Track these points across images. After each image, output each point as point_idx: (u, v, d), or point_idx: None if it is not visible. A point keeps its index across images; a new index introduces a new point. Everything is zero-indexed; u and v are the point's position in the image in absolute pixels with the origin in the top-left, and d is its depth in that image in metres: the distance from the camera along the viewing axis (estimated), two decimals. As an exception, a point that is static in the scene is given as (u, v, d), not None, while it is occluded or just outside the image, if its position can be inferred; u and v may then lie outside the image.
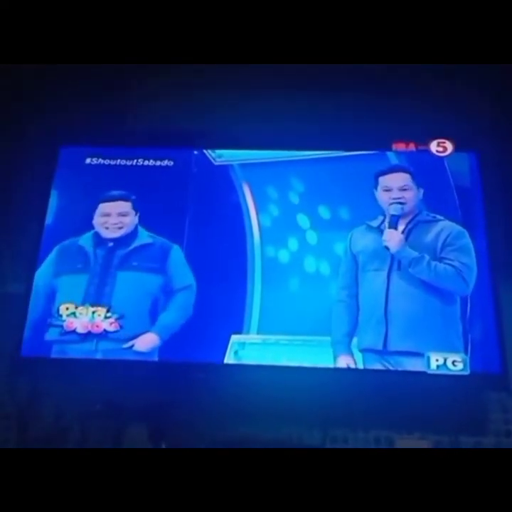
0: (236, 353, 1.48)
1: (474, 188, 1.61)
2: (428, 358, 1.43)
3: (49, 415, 1.51)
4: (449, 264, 1.49)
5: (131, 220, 1.61)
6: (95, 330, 1.51)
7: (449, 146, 1.65)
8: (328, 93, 1.81)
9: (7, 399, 1.55)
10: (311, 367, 1.46)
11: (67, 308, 1.53)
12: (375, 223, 1.57)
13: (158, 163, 1.70)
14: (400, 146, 1.66)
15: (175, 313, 1.53)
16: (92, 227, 1.62)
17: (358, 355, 1.46)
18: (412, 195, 1.56)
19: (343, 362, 1.46)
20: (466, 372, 1.42)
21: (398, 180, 1.58)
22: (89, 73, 1.69)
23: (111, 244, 1.59)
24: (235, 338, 1.49)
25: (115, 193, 1.64)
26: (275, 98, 1.80)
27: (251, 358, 1.48)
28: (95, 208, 1.64)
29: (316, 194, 1.63)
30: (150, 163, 1.70)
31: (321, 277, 1.55)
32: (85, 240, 1.60)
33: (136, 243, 1.59)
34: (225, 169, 1.67)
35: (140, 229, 1.61)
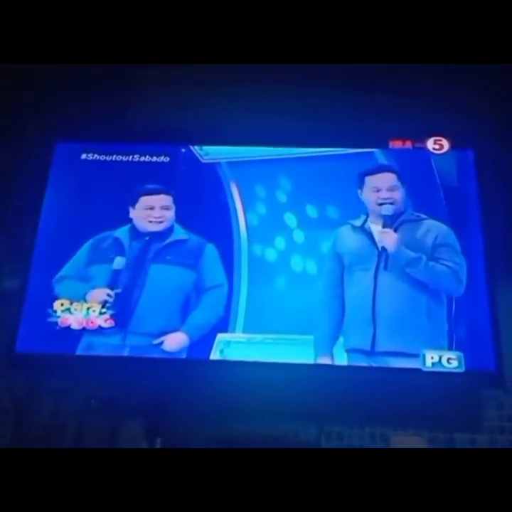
0: (221, 351, 1.48)
1: (469, 187, 1.60)
2: (423, 356, 1.43)
3: (45, 411, 1.51)
4: (444, 264, 1.49)
5: (172, 214, 1.61)
6: (90, 326, 1.51)
7: (446, 144, 1.65)
8: (326, 90, 1.80)
9: (3, 394, 1.54)
10: (308, 364, 1.46)
11: (62, 305, 1.53)
12: (358, 222, 1.56)
13: (154, 159, 1.70)
14: (397, 144, 1.66)
15: (205, 313, 1.52)
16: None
17: (342, 356, 1.46)
18: (400, 195, 1.56)
19: (322, 362, 1.46)
20: (461, 370, 1.42)
21: (387, 180, 1.58)
22: (85, 70, 1.68)
23: (147, 237, 1.59)
24: (220, 336, 1.49)
25: (155, 186, 1.63)
26: (272, 96, 1.80)
27: (236, 356, 1.47)
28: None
29: (303, 193, 1.63)
30: (146, 159, 1.70)
31: (307, 276, 1.55)
32: (121, 233, 1.60)
33: (172, 238, 1.59)
34: (212, 167, 1.67)
35: (176, 225, 1.61)
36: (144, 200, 1.61)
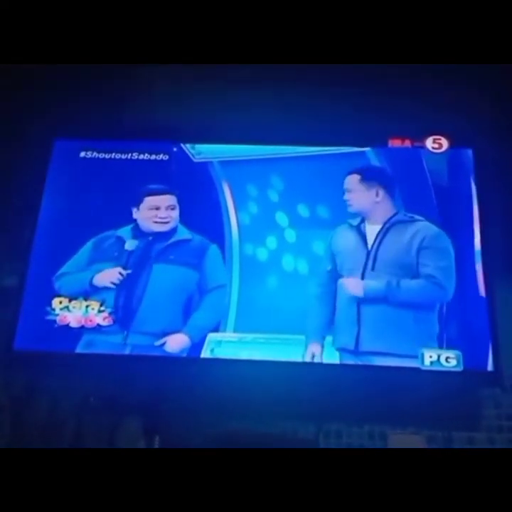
0: (212, 350, 1.47)
1: (468, 186, 1.60)
2: (422, 354, 1.43)
3: (44, 409, 1.51)
4: (423, 274, 1.47)
5: (177, 214, 1.61)
6: (88, 324, 1.51)
7: (445, 143, 1.65)
8: (325, 90, 1.80)
9: (1, 393, 1.54)
10: (305, 362, 1.46)
11: (60, 302, 1.53)
12: (355, 222, 1.56)
13: (153, 157, 1.69)
14: (396, 143, 1.66)
15: (207, 314, 1.52)
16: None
17: (335, 354, 1.46)
18: (358, 197, 1.55)
19: (310, 350, 1.46)
20: (460, 369, 1.42)
21: (346, 182, 1.58)
22: (82, 70, 1.68)
23: (150, 237, 1.58)
24: (211, 336, 1.49)
25: (159, 186, 1.63)
26: (271, 95, 1.80)
27: (227, 356, 1.47)
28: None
29: (295, 192, 1.62)
30: (145, 157, 1.70)
31: (299, 276, 1.54)
32: (124, 232, 1.60)
33: (175, 238, 1.58)
34: (204, 166, 1.66)
35: (179, 225, 1.60)
36: (149, 201, 1.61)
